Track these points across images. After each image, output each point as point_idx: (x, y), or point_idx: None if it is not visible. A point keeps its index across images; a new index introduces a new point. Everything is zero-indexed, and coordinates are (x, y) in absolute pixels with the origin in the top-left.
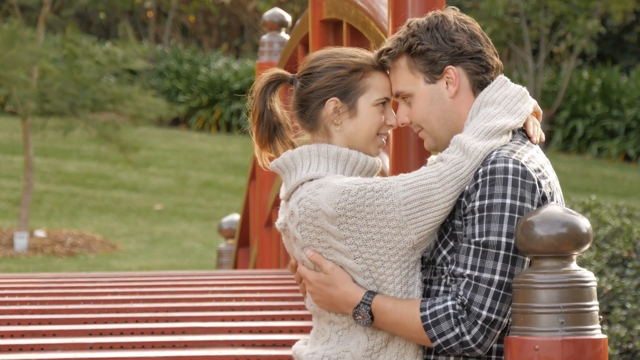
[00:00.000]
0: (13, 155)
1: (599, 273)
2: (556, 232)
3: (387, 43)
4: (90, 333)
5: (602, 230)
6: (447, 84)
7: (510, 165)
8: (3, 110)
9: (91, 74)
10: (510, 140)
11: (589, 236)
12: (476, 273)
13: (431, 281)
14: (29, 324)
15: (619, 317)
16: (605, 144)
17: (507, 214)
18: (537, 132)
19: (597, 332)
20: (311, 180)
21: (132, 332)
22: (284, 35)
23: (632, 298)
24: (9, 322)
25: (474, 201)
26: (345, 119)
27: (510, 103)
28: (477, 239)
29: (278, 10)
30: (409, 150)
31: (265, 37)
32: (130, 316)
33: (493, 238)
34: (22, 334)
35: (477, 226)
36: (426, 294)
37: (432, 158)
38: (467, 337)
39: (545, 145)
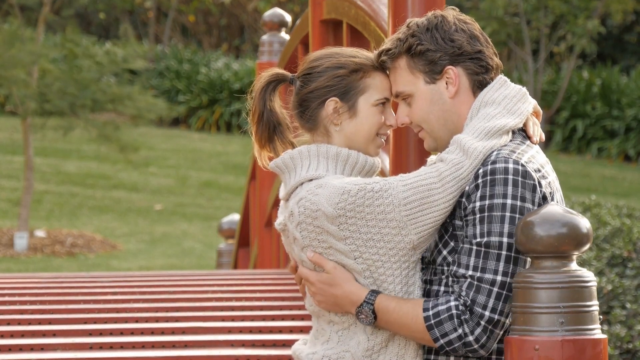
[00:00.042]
0: (13, 155)
1: (599, 273)
2: (556, 232)
3: (387, 43)
4: (90, 333)
5: (602, 230)
6: (446, 84)
7: (511, 166)
8: (3, 110)
9: (91, 74)
10: (510, 141)
11: (589, 236)
12: (478, 274)
13: (431, 281)
14: (29, 324)
15: (619, 317)
16: (605, 144)
17: (508, 214)
18: (537, 132)
19: (597, 332)
20: (311, 180)
21: (132, 332)
22: (284, 35)
23: (632, 298)
24: (9, 322)
25: (475, 202)
26: (345, 119)
27: (510, 103)
28: (478, 239)
29: (278, 10)
30: (409, 150)
31: (265, 37)
32: (130, 316)
33: (494, 238)
34: (22, 334)
35: (478, 227)
36: (426, 294)
37: (432, 158)
38: (470, 338)
39: (545, 145)
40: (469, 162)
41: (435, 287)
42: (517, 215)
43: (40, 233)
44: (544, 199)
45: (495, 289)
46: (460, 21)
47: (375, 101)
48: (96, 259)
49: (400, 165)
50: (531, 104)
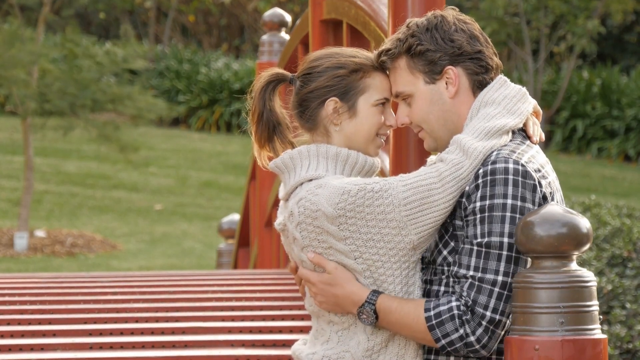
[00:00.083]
0: (13, 155)
1: (599, 273)
2: (556, 232)
3: (387, 43)
4: (90, 333)
5: (602, 230)
6: (446, 84)
7: (511, 166)
8: (3, 110)
9: (91, 74)
10: (510, 141)
11: (589, 236)
12: (479, 274)
13: (432, 281)
14: (29, 324)
15: (619, 317)
16: (605, 144)
17: (508, 214)
18: (537, 132)
19: (597, 332)
20: (310, 180)
21: (132, 332)
22: (284, 35)
23: (632, 298)
24: (9, 322)
25: (475, 202)
26: (345, 119)
27: (510, 103)
28: (479, 239)
29: (278, 10)
30: (409, 150)
31: (265, 37)
32: (130, 316)
33: (495, 239)
34: (22, 334)
35: (478, 227)
36: (426, 294)
37: (432, 158)
38: (472, 338)
39: (545, 145)
40: (469, 162)
41: (435, 287)
42: (518, 215)
43: (40, 233)
44: (544, 199)
45: (496, 289)
46: (460, 21)
47: (375, 101)
48: (96, 259)
49: (400, 165)
50: (531, 104)
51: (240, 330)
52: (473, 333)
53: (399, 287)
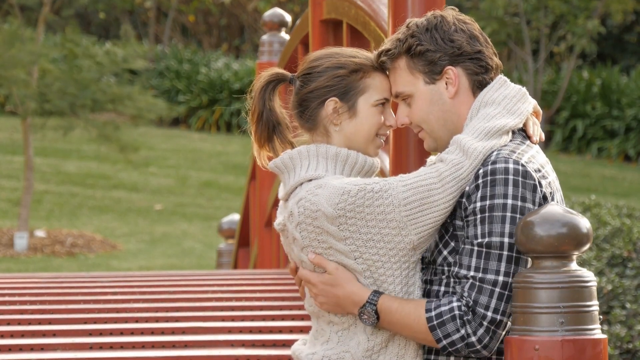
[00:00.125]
0: (13, 155)
1: (599, 273)
2: (556, 232)
3: (387, 44)
4: (90, 333)
5: (602, 230)
6: (446, 84)
7: (511, 166)
8: (3, 110)
9: (91, 74)
10: (510, 141)
11: (589, 236)
12: (480, 274)
13: (432, 281)
14: (29, 324)
15: (619, 317)
16: (605, 144)
17: (508, 214)
18: (537, 132)
19: (597, 332)
20: (310, 180)
21: (132, 332)
22: (284, 35)
23: (632, 298)
24: (9, 322)
25: (475, 202)
26: (345, 119)
27: (509, 103)
28: (479, 240)
29: (278, 10)
30: (409, 150)
31: (265, 37)
32: (130, 316)
33: (495, 239)
34: (22, 334)
35: (479, 227)
36: (426, 294)
37: (432, 159)
38: (473, 339)
39: (545, 145)
40: (469, 162)
41: (435, 287)
42: (518, 216)
43: (40, 233)
44: (544, 199)
45: (497, 290)
46: (459, 21)
47: (375, 101)
48: (96, 259)
49: (400, 165)
50: (531, 104)
51: (240, 330)
52: (474, 333)
53: (399, 287)
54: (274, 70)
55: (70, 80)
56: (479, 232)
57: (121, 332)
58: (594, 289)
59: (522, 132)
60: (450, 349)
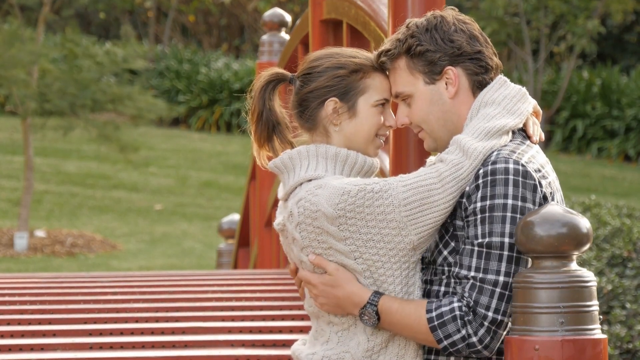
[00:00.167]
0: (13, 155)
1: (599, 273)
2: (556, 232)
3: (386, 44)
4: (90, 333)
5: (602, 230)
6: (446, 84)
7: (511, 166)
8: (3, 110)
9: (91, 74)
10: (510, 141)
11: (589, 236)
12: (480, 275)
13: (432, 281)
14: (29, 324)
15: (619, 317)
16: (605, 144)
17: (509, 214)
18: (537, 131)
19: (597, 332)
20: (310, 180)
21: (132, 332)
22: (284, 35)
23: (632, 298)
24: (9, 322)
25: (475, 202)
26: (345, 120)
27: (509, 103)
28: (480, 240)
29: (278, 10)
30: (409, 150)
31: (265, 37)
32: (130, 316)
33: (496, 239)
34: (22, 334)
35: (479, 227)
36: (426, 294)
37: (431, 159)
38: (474, 339)
39: (545, 145)
40: (469, 162)
41: (435, 287)
42: (518, 216)
43: (40, 233)
44: (545, 199)
45: (498, 290)
46: (459, 21)
47: (375, 102)
48: (96, 259)
49: (400, 165)
50: (531, 103)
51: (240, 330)
52: (475, 334)
53: (398, 288)
54: (274, 69)
55: (70, 80)
56: (479, 232)
57: (121, 332)
58: (594, 289)
59: (522, 132)
60: (451, 350)
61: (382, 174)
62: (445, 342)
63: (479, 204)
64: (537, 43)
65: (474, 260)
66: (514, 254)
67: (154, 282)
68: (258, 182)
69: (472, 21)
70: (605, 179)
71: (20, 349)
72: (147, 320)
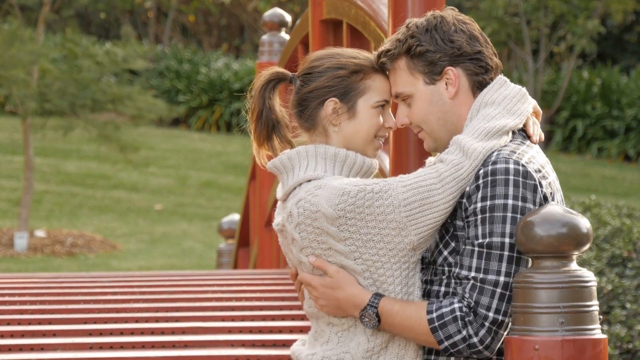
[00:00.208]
0: (13, 155)
1: (599, 273)
2: (556, 232)
3: (386, 44)
4: (90, 333)
5: (602, 230)
6: (446, 84)
7: (511, 166)
8: (3, 110)
9: (91, 74)
10: (510, 141)
11: (589, 236)
12: (481, 275)
13: (432, 281)
14: (29, 324)
15: (619, 317)
16: (605, 144)
17: (509, 214)
18: (537, 132)
19: (597, 332)
20: (309, 181)
21: (132, 332)
22: (284, 35)
23: (632, 298)
24: (9, 322)
25: (476, 202)
26: (344, 120)
27: (509, 103)
28: (480, 240)
29: (278, 10)
30: (409, 150)
31: (265, 37)
32: (130, 316)
33: (496, 239)
34: (22, 334)
35: (479, 228)
36: (426, 294)
37: (431, 159)
38: (475, 339)
39: (545, 145)
40: (469, 162)
41: (435, 288)
42: (519, 216)
43: (40, 233)
44: (545, 199)
45: (499, 290)
46: (459, 21)
47: (375, 103)
48: (96, 259)
49: (400, 165)
50: (531, 104)
51: (240, 330)
52: (476, 334)
53: (398, 288)
54: (275, 69)
55: (70, 80)
56: (479, 232)
57: (121, 332)
58: (594, 289)
59: (522, 132)
60: (452, 350)
61: (382, 174)
62: (446, 343)
63: (479, 205)
64: (537, 43)
65: (475, 260)
66: (515, 254)
67: (154, 282)
68: (258, 182)
69: (472, 21)
70: (605, 179)
71: (20, 349)
72: (147, 320)
